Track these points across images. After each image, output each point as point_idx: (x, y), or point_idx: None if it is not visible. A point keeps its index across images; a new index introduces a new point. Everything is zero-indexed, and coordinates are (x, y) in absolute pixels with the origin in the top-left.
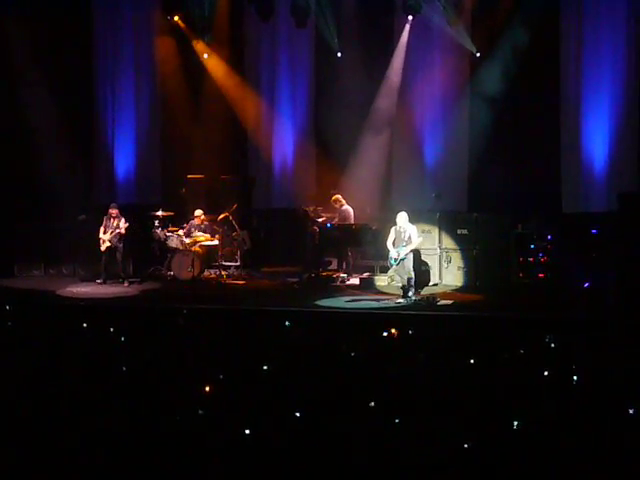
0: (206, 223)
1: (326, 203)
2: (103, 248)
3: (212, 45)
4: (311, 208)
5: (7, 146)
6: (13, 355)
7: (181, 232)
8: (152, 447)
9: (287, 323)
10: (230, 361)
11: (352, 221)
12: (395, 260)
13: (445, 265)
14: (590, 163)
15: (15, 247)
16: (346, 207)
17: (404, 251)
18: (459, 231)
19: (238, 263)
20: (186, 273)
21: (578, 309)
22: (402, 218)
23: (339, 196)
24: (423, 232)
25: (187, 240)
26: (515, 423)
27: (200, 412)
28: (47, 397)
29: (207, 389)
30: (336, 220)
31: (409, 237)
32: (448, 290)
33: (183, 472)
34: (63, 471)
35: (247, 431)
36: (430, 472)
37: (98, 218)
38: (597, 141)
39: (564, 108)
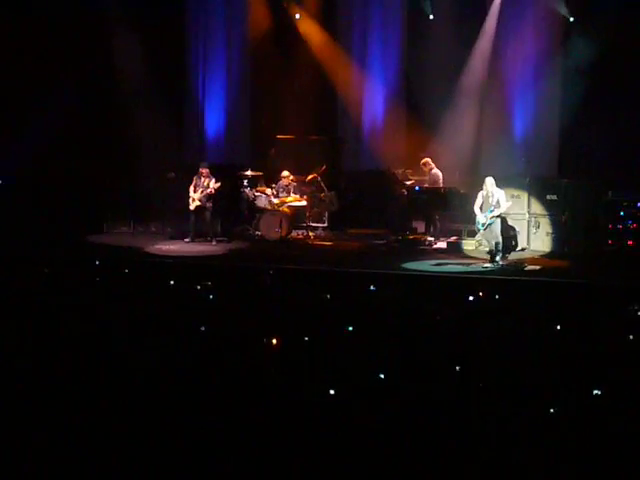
0: (294, 184)
1: (415, 166)
2: (192, 207)
3: (304, 5)
4: (400, 171)
5: (100, 105)
6: (101, 310)
7: (269, 192)
8: (231, 406)
9: (372, 287)
10: (316, 321)
11: (441, 185)
12: (482, 225)
13: (534, 230)
14: None
15: (104, 204)
16: (435, 171)
17: (491, 215)
18: (548, 197)
19: (325, 224)
20: (274, 233)
21: None
22: (490, 183)
23: (428, 159)
24: (512, 197)
25: (275, 200)
26: (595, 391)
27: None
28: (130, 353)
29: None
30: (425, 183)
31: (497, 201)
32: (536, 256)
33: (265, 432)
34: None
35: (332, 391)
36: (513, 437)
37: (188, 177)
38: None
39: None
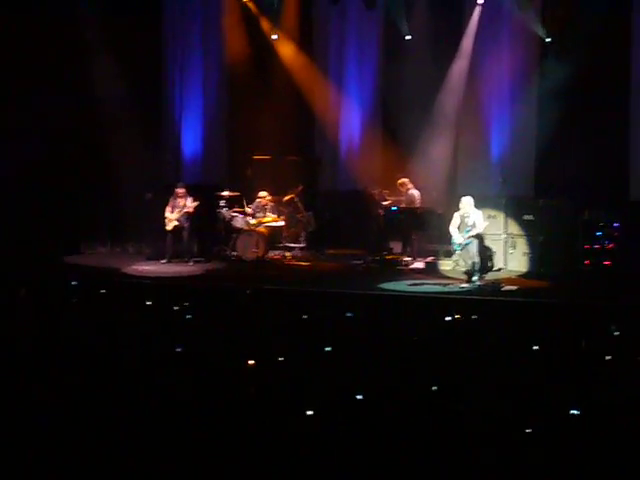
0: (271, 204)
1: (392, 186)
2: (170, 227)
3: (280, 26)
4: (377, 191)
5: (76, 124)
6: (77, 331)
7: (246, 211)
8: (209, 428)
9: (348, 314)
10: (292, 342)
11: (418, 205)
12: (459, 245)
13: (510, 251)
14: None
15: (81, 224)
16: (412, 191)
17: (467, 235)
18: (525, 217)
19: (303, 244)
20: (251, 253)
21: None
22: (467, 203)
23: (406, 180)
24: (489, 217)
25: (252, 221)
26: (573, 411)
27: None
28: (106, 374)
29: (264, 368)
30: (402, 204)
31: (474, 222)
32: (513, 276)
33: (242, 454)
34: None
35: (309, 412)
36: (492, 457)
37: (164, 197)
38: None
39: (634, 94)
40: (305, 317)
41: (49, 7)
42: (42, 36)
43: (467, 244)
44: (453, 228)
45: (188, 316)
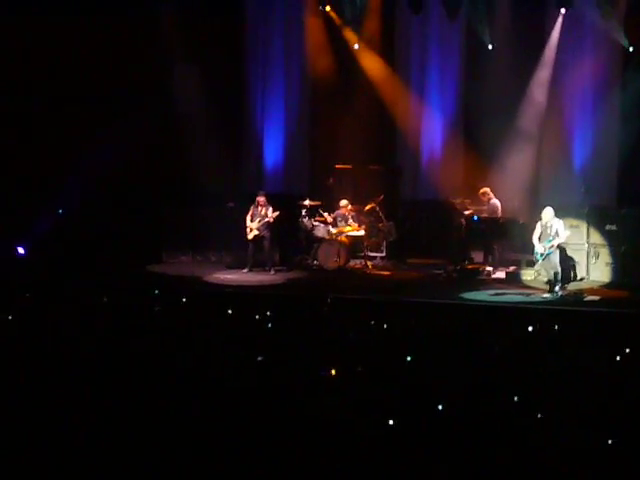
0: (352, 213)
1: (473, 196)
2: (251, 236)
3: (363, 36)
4: (458, 200)
5: (160, 133)
6: (160, 339)
7: (328, 221)
8: (284, 436)
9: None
10: (373, 351)
11: (499, 215)
12: (541, 255)
13: (593, 261)
14: None
15: (163, 233)
16: (494, 201)
17: (549, 245)
18: (607, 227)
19: (384, 254)
20: (332, 263)
21: None
22: (548, 213)
23: (487, 189)
24: (571, 227)
25: (333, 230)
26: None
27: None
28: (187, 382)
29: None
30: (484, 213)
31: (556, 231)
32: (595, 286)
33: (320, 463)
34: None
35: (390, 422)
36: (571, 469)
37: (246, 206)
38: None
39: None
40: (386, 326)
41: (133, 18)
42: (126, 47)
43: (549, 254)
44: (535, 238)
45: (269, 325)
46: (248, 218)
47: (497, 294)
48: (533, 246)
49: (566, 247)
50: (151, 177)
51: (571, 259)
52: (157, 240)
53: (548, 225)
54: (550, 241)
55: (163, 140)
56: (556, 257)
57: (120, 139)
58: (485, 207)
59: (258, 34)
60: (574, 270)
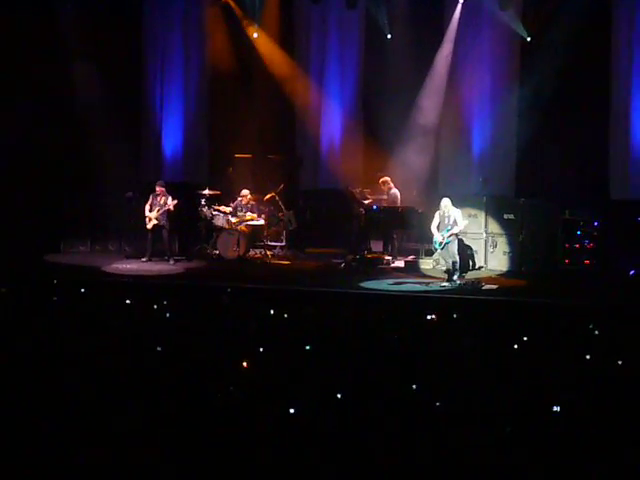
0: (252, 203)
1: (373, 185)
2: (149, 226)
3: (262, 25)
4: (357, 190)
5: (56, 122)
6: (58, 330)
7: (227, 211)
8: (190, 426)
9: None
10: (273, 340)
11: (399, 204)
12: (440, 244)
13: (491, 250)
14: (638, 150)
15: (62, 223)
16: (394, 190)
17: (447, 234)
18: (506, 216)
19: (283, 243)
20: (231, 252)
21: (623, 297)
22: (446, 203)
23: (388, 179)
24: (469, 216)
25: (233, 219)
26: (555, 408)
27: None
28: (86, 372)
29: (245, 366)
30: (383, 203)
31: (454, 221)
32: (493, 275)
33: (222, 451)
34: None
35: (291, 410)
36: (471, 456)
37: (145, 195)
38: None
39: (614, 94)
40: (286, 315)
41: (27, 9)
42: (20, 38)
43: (447, 243)
44: (434, 227)
45: (168, 315)
46: (147, 207)
47: (396, 283)
48: (432, 235)
49: (464, 236)
50: (48, 167)
51: (469, 248)
52: (55, 230)
53: (446, 215)
54: (448, 230)
55: (60, 129)
56: (454, 246)
57: (16, 130)
58: (385, 197)
59: (156, 20)
60: (472, 259)
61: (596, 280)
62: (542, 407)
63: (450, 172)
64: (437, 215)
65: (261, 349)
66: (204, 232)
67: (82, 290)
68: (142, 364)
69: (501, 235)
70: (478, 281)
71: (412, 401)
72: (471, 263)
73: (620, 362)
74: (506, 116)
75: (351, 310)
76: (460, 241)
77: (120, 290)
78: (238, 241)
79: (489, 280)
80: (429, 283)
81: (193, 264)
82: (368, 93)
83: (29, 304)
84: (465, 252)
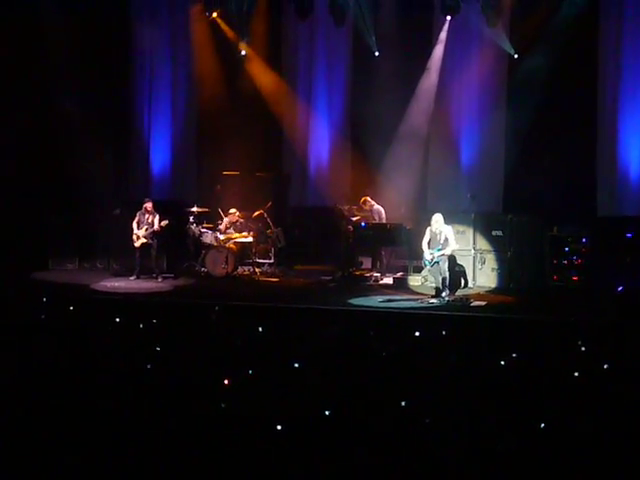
0: (241, 220)
1: (359, 203)
2: (137, 244)
3: (250, 42)
4: (346, 207)
5: (43, 139)
6: (46, 348)
7: (217, 228)
8: (177, 443)
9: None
10: (261, 358)
11: (384, 220)
12: (429, 262)
13: (479, 266)
14: (626, 167)
15: (50, 240)
16: (377, 207)
17: (438, 254)
18: (494, 232)
19: (272, 260)
20: (220, 269)
21: (611, 313)
22: (438, 219)
23: (367, 197)
24: (458, 233)
25: (221, 237)
26: (542, 425)
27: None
28: (75, 390)
29: (233, 384)
30: (371, 220)
31: (445, 239)
32: (481, 291)
33: (210, 466)
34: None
35: (278, 427)
36: (460, 473)
37: (133, 213)
38: (633, 145)
39: (601, 111)
40: (274, 333)
41: (12, 13)
42: (5, 55)
43: (437, 262)
44: (424, 244)
45: (156, 333)
46: (134, 225)
47: (386, 300)
48: (422, 252)
49: (455, 255)
50: (38, 184)
51: (461, 266)
52: (43, 247)
53: (437, 232)
54: (439, 249)
55: (48, 145)
56: (445, 264)
57: (5, 146)
58: (369, 214)
59: (144, 37)
60: (464, 277)
61: (584, 296)
62: (529, 424)
63: (438, 189)
64: (428, 231)
65: (249, 368)
66: (192, 249)
67: (71, 308)
68: (131, 382)
69: (489, 252)
70: (466, 298)
71: (401, 417)
72: (463, 282)
73: (608, 378)
74: (494, 133)
75: (340, 327)
76: (452, 259)
77: (109, 308)
78: (226, 258)
79: (477, 297)
80: (418, 300)
81: (181, 281)
82: (356, 110)
83: (17, 322)
84: (456, 270)
